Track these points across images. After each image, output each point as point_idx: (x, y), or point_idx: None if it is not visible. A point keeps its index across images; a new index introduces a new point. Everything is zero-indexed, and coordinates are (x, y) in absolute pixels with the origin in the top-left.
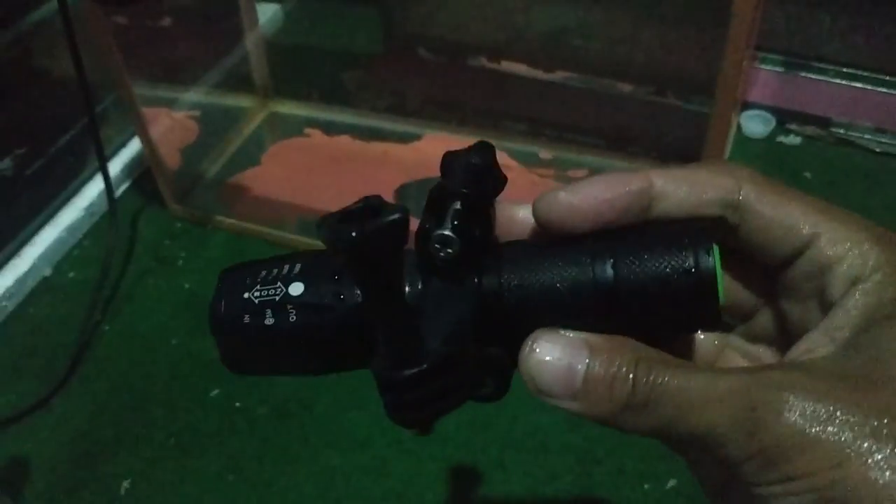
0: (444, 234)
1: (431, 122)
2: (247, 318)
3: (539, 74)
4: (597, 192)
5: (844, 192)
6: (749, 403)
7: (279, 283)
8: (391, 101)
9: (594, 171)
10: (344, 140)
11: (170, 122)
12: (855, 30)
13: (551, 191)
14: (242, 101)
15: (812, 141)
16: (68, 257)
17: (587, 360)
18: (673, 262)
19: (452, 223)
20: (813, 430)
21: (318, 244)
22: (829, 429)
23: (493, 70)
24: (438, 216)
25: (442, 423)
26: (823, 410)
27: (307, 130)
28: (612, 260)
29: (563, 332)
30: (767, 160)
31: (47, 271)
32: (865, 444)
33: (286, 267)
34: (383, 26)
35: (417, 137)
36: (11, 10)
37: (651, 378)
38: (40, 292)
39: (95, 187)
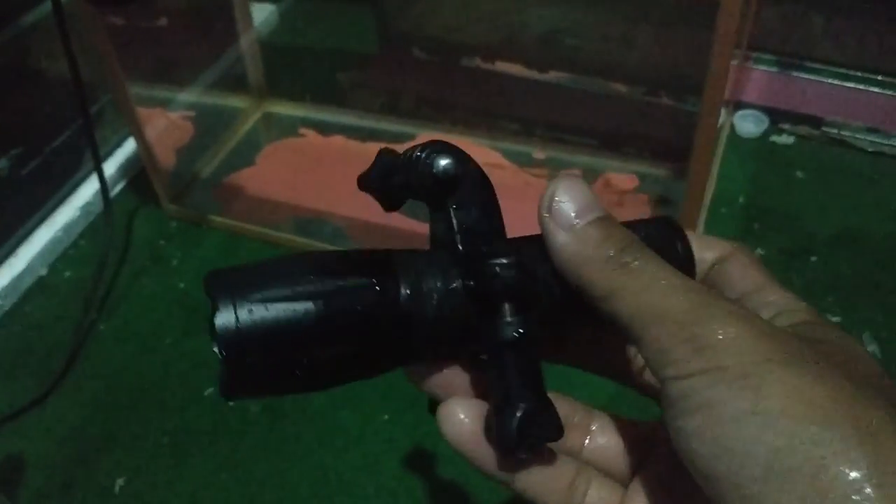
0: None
1: (426, 123)
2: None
3: (533, 75)
4: None
5: (837, 192)
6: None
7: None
8: (385, 101)
9: (587, 172)
10: (338, 140)
11: (165, 123)
12: (848, 30)
13: None
14: (237, 101)
15: (805, 140)
16: (64, 256)
17: (599, 214)
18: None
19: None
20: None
21: (315, 245)
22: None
23: (487, 70)
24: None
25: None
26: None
27: (302, 130)
28: None
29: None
30: (760, 160)
31: (43, 270)
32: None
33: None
34: (378, 27)
35: (412, 137)
36: (7, 10)
37: (640, 250)
38: (36, 291)
39: (91, 187)
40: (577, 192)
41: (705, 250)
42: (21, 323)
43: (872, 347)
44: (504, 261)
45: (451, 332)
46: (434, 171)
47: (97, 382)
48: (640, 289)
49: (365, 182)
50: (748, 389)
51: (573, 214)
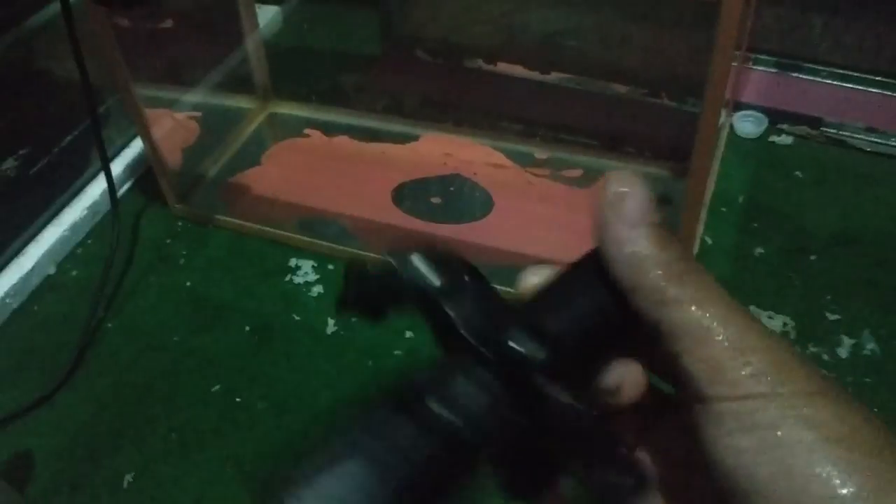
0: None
1: (429, 123)
2: None
3: (535, 76)
4: None
5: (835, 191)
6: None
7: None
8: (389, 102)
9: (589, 171)
10: (343, 140)
11: (171, 123)
12: (846, 31)
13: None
14: (243, 102)
15: (804, 140)
16: (71, 256)
17: (657, 219)
18: None
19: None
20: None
21: (319, 243)
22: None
23: (490, 72)
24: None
25: None
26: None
27: (307, 131)
28: None
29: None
30: (760, 160)
31: (51, 269)
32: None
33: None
34: (381, 29)
35: (415, 138)
36: (15, 11)
37: (695, 262)
38: (44, 290)
39: (98, 187)
40: (642, 194)
41: None
42: (29, 321)
43: (871, 345)
44: (524, 342)
45: (506, 433)
46: (423, 287)
47: (105, 380)
48: (699, 301)
49: (345, 304)
50: (809, 417)
51: (639, 213)
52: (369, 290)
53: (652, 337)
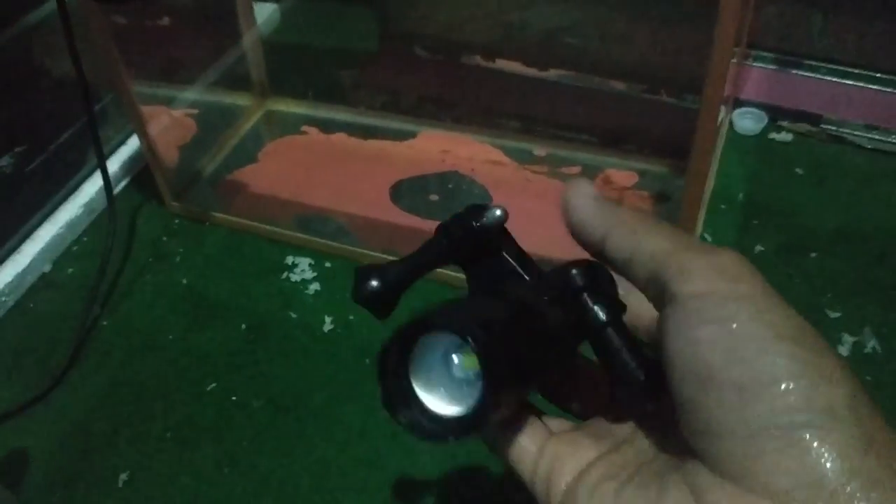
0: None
1: (426, 121)
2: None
3: (533, 73)
4: None
5: (835, 188)
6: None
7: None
8: (387, 99)
9: (587, 169)
10: (340, 138)
11: (168, 120)
12: (846, 28)
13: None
14: (240, 99)
15: (804, 138)
16: (67, 253)
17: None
18: None
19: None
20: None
21: (315, 240)
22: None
23: (488, 68)
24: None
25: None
26: None
27: (304, 128)
28: None
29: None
30: (759, 157)
31: (47, 267)
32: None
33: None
34: (379, 25)
35: (413, 135)
36: (11, 9)
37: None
38: (40, 287)
39: (94, 184)
40: (587, 183)
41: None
42: (25, 319)
43: (872, 343)
44: (574, 269)
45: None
46: (488, 223)
47: (100, 378)
48: (661, 230)
49: (362, 296)
50: (765, 317)
51: (590, 189)
52: (383, 282)
53: (627, 270)
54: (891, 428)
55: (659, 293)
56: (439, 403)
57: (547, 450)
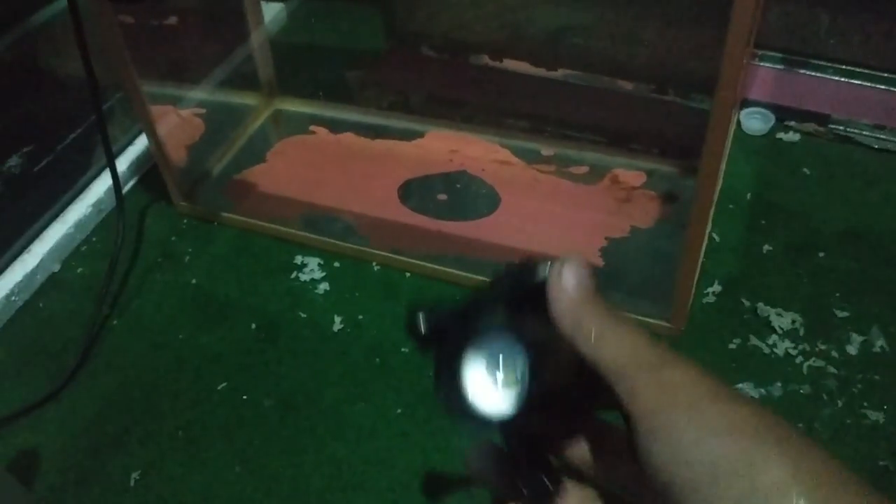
0: None
1: (434, 120)
2: None
3: (541, 72)
4: None
5: (843, 188)
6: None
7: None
8: (394, 98)
9: (595, 168)
10: (348, 137)
11: (176, 120)
12: (853, 28)
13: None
14: (248, 98)
15: (811, 137)
16: (76, 253)
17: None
18: None
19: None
20: None
21: (324, 240)
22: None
23: (496, 68)
24: None
25: (444, 416)
26: None
27: (312, 128)
28: None
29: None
30: (767, 157)
31: (56, 267)
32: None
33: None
34: (386, 25)
35: (420, 135)
36: (20, 9)
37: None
38: (49, 287)
39: (103, 184)
40: (578, 269)
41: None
42: (34, 318)
43: (880, 342)
44: None
45: None
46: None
47: (110, 377)
48: (620, 339)
49: (421, 335)
50: (697, 418)
51: (578, 283)
52: (439, 321)
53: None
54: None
55: (618, 403)
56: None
57: None
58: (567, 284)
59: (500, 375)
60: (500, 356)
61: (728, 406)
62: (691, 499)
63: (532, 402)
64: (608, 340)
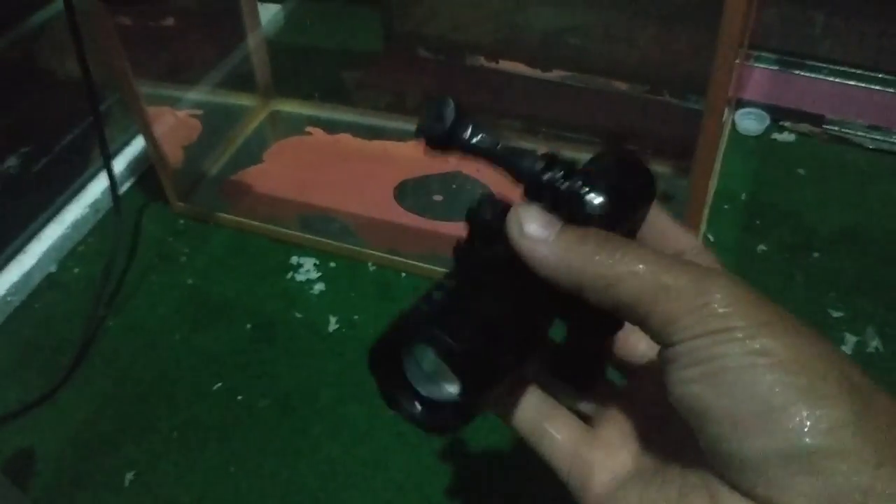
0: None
1: None
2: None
3: (536, 73)
4: None
5: (838, 189)
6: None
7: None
8: (391, 99)
9: None
10: (344, 138)
11: (173, 121)
12: (848, 28)
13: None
14: (244, 99)
15: (806, 138)
16: (73, 254)
17: (562, 224)
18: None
19: None
20: None
21: (320, 241)
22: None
23: (492, 69)
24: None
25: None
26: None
27: (308, 129)
28: None
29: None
30: (762, 157)
31: (52, 267)
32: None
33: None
34: (383, 26)
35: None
36: (16, 10)
37: (616, 240)
38: (45, 288)
39: (100, 185)
40: (536, 213)
41: None
42: (31, 319)
43: (875, 343)
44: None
45: None
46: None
47: (107, 378)
48: (637, 273)
49: (485, 221)
50: (755, 347)
51: (543, 230)
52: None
53: (613, 318)
54: None
55: (653, 336)
56: (434, 389)
57: (581, 451)
58: (537, 234)
59: (426, 368)
60: (415, 351)
61: (788, 336)
62: (730, 433)
63: (479, 373)
64: (622, 274)
